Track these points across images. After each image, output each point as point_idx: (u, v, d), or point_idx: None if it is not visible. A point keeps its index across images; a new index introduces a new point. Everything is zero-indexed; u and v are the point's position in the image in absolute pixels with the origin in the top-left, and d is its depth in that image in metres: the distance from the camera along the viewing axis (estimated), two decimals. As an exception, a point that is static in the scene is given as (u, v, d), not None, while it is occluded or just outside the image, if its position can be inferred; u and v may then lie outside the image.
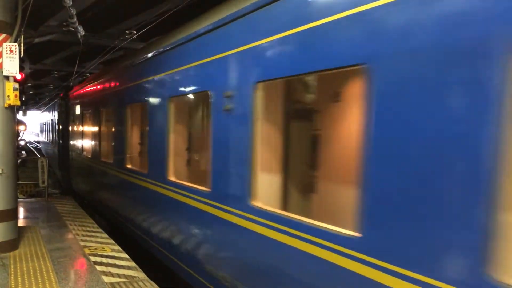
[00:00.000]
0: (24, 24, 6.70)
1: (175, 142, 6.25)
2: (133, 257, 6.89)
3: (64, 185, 15.50)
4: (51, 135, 23.66)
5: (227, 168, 4.56)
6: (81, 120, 12.49)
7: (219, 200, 4.73)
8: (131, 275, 5.94)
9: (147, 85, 7.06)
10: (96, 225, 9.02)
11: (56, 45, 13.24)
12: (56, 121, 18.22)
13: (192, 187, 5.47)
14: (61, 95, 16.89)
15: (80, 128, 12.59)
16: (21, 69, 6.68)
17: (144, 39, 11.27)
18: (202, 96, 5.94)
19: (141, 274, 6.02)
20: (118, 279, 5.77)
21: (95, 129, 10.58)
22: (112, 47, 11.44)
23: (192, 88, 5.58)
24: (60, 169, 16.47)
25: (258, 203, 4.08)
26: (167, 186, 6.17)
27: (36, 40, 11.13)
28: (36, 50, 13.67)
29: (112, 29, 11.14)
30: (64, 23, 9.77)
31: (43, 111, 33.61)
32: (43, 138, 34.55)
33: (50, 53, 14.98)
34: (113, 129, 8.99)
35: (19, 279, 5.64)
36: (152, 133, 6.78)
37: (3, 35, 6.46)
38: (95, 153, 10.61)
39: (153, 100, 6.73)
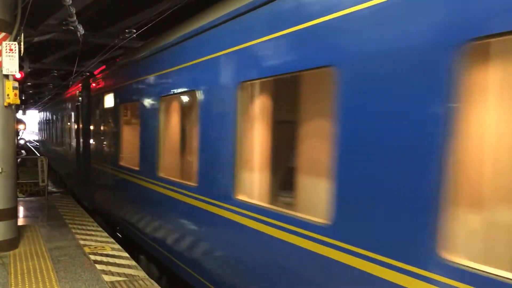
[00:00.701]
0: (23, 23, 6.70)
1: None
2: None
3: (87, 204, 11.56)
4: (56, 138, 21.69)
5: None
6: (116, 117, 8.91)
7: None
8: (131, 274, 5.94)
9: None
10: (96, 224, 9.02)
11: (56, 44, 13.23)
12: (74, 120, 14.03)
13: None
14: (80, 84, 12.95)
15: (115, 129, 9.02)
16: (21, 68, 6.70)
17: (144, 38, 11.27)
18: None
19: (141, 273, 6.02)
20: (118, 278, 5.77)
21: (150, 129, 6.83)
22: (112, 46, 11.44)
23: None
24: (79, 183, 12.62)
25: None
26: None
27: (36, 39, 11.13)
28: (35, 49, 13.65)
29: (111, 28, 11.13)
30: (64, 22, 9.74)
31: (42, 110, 33.25)
32: (44, 138, 33.75)
33: (50, 52, 14.97)
34: (201, 129, 5.17)
35: (19, 278, 5.64)
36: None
37: (3, 34, 6.45)
38: (148, 165, 6.93)
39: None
